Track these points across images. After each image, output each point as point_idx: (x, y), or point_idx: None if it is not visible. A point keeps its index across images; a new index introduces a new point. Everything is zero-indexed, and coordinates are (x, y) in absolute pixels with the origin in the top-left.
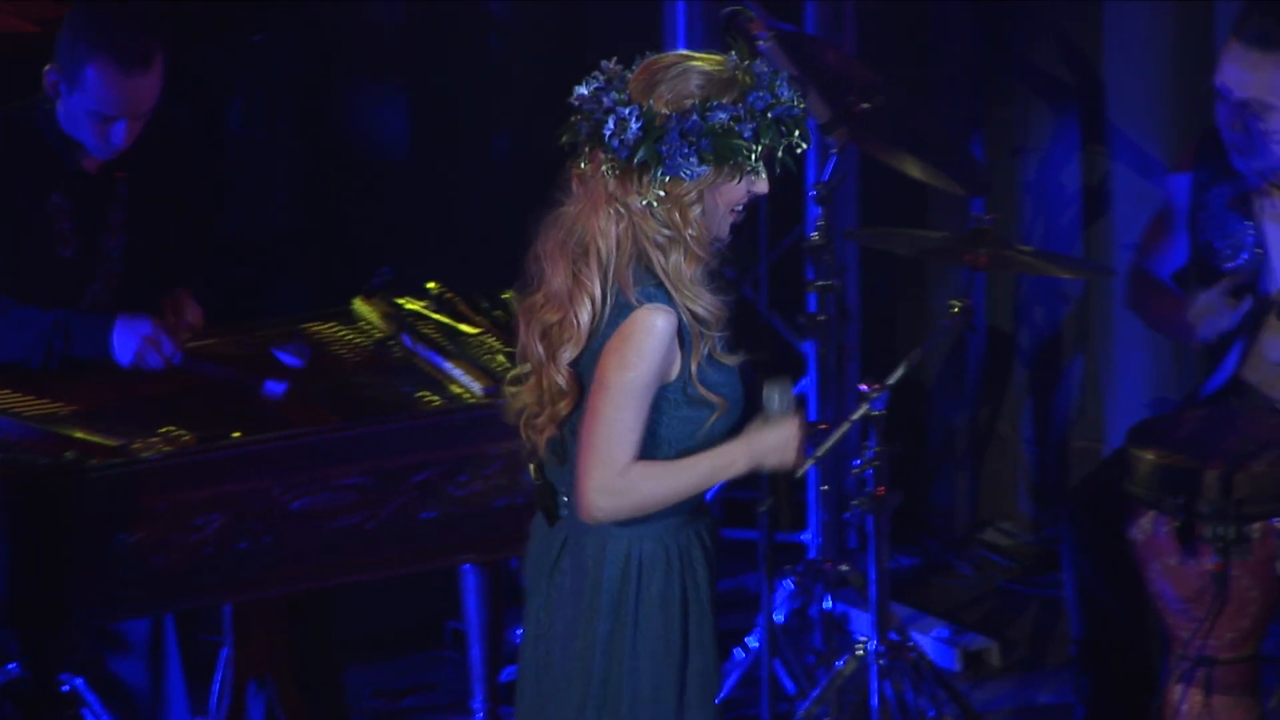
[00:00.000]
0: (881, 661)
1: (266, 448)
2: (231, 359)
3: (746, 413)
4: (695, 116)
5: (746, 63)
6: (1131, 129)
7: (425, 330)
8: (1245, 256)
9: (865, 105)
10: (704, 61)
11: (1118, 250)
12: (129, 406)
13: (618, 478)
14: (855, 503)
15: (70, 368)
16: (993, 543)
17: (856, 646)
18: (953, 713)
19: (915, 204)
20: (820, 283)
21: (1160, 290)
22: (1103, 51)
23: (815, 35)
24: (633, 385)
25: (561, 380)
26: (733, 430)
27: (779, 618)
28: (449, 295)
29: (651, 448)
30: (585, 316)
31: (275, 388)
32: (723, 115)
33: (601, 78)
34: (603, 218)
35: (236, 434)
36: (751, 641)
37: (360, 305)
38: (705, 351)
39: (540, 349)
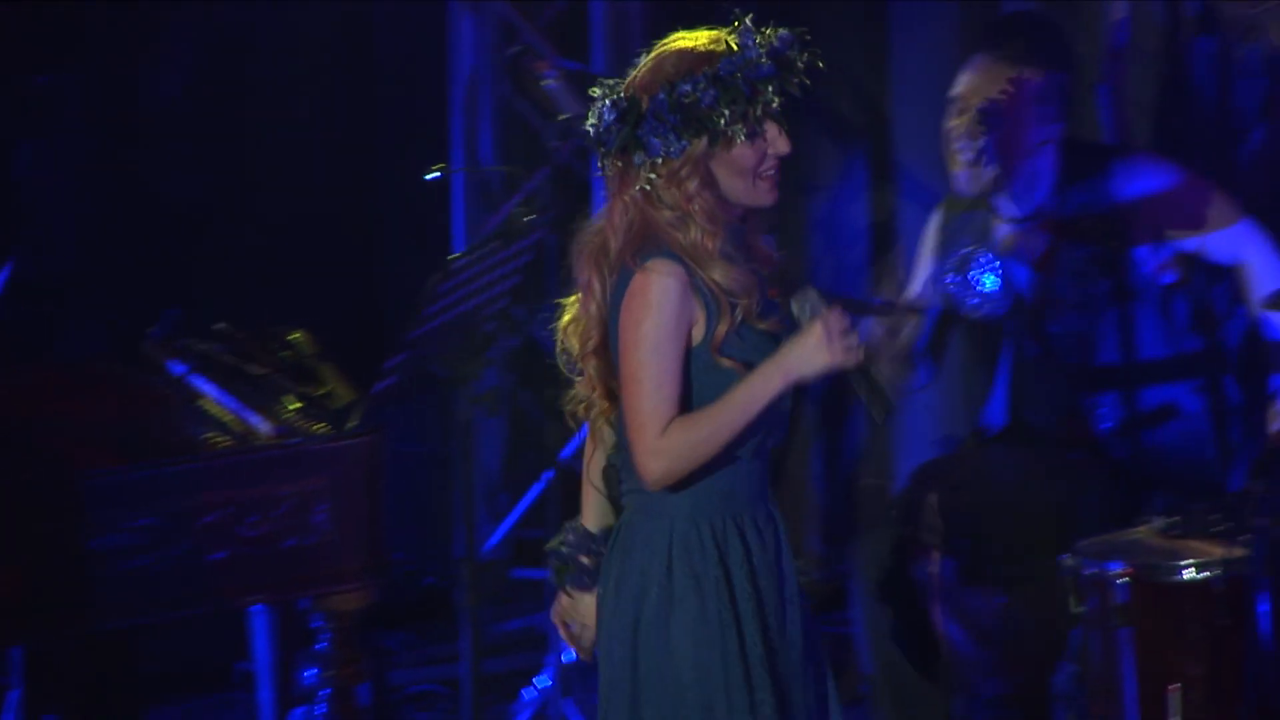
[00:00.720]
0: None
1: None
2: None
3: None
4: (662, 94)
5: (730, 32)
6: (919, 167)
7: (213, 371)
8: (984, 292)
9: None
10: (688, 40)
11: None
12: None
13: (661, 439)
14: None
15: None
16: None
17: None
18: None
19: None
20: None
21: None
22: (890, 91)
23: (603, 73)
24: (649, 339)
25: (592, 370)
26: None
27: (568, 657)
28: (238, 335)
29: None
30: (592, 306)
31: None
32: (687, 88)
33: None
34: (616, 213)
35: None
36: (542, 681)
37: (149, 346)
38: (739, 318)
39: (575, 345)
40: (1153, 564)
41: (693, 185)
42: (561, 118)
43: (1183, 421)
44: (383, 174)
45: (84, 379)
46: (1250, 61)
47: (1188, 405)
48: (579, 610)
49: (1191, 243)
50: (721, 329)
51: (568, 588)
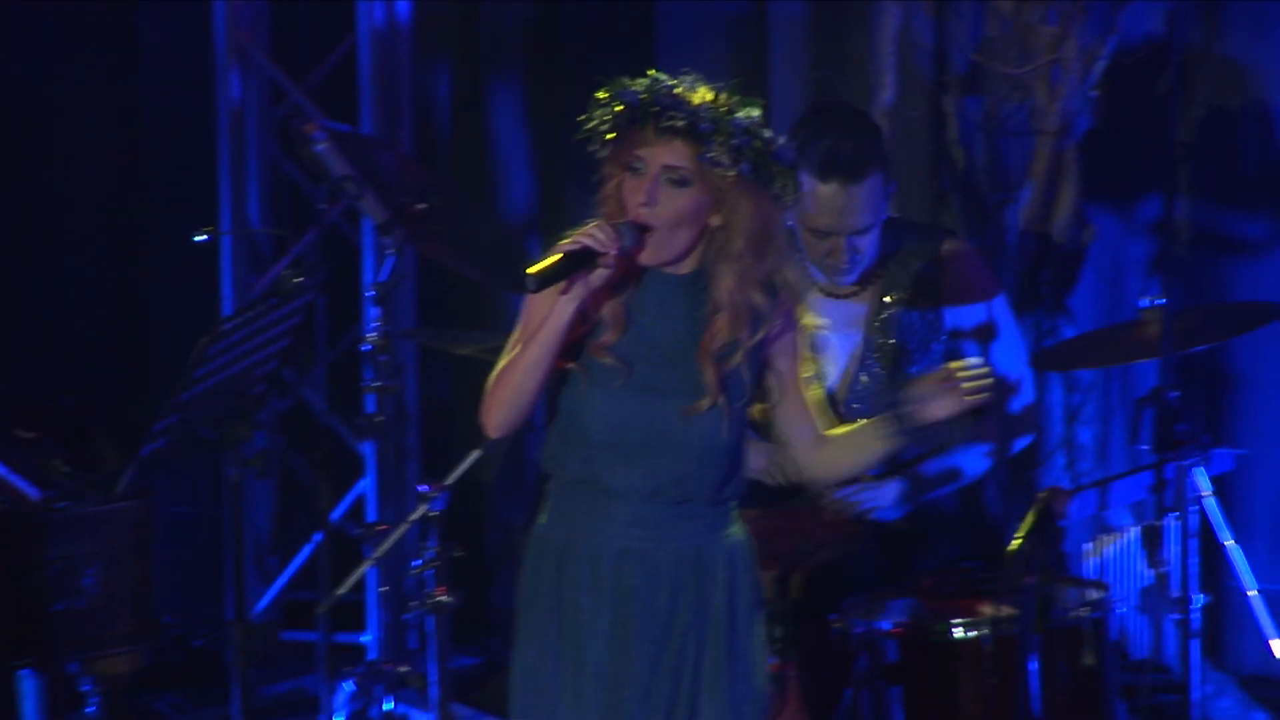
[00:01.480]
0: None
1: None
2: None
3: None
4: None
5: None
6: None
7: None
8: None
9: (422, 206)
10: None
11: None
12: None
13: None
14: (414, 604)
15: None
16: None
17: None
18: None
19: (472, 303)
20: (378, 384)
21: None
22: None
23: (372, 135)
24: None
25: None
26: None
27: None
28: (5, 398)
29: None
30: None
31: None
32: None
33: None
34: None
35: None
36: None
37: None
38: None
39: None
40: (922, 623)
41: None
42: (332, 179)
43: (958, 482)
44: (151, 236)
45: None
46: (1017, 121)
47: (966, 468)
48: None
49: (952, 312)
50: None
51: None
